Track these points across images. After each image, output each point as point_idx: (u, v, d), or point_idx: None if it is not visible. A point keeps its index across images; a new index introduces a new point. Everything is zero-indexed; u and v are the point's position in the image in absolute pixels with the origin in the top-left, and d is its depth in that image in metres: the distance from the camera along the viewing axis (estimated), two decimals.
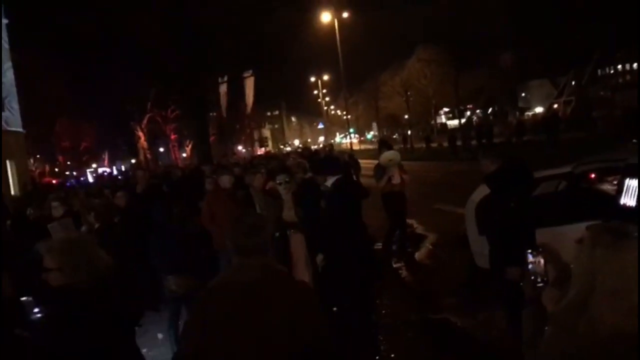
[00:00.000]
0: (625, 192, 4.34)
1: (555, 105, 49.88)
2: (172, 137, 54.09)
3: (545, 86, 59.08)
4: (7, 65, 31.07)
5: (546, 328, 1.95)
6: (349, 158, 11.96)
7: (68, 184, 31.78)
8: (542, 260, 2.21)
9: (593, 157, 5.47)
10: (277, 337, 2.17)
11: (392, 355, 5.10)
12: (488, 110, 69.20)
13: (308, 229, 5.52)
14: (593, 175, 6.27)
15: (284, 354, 2.16)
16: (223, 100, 39.69)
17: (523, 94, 69.75)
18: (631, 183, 4.27)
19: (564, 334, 1.81)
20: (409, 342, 5.44)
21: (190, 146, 52.66)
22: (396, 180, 8.45)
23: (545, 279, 2.20)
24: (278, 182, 5.97)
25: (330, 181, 5.48)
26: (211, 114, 47.59)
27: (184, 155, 56.94)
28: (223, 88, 38.02)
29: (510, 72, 54.52)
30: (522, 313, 2.19)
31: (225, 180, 7.01)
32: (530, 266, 2.21)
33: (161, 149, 62.31)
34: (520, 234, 3.75)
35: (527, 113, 63.25)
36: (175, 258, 5.03)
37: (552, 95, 53.53)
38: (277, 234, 5.24)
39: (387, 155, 8.48)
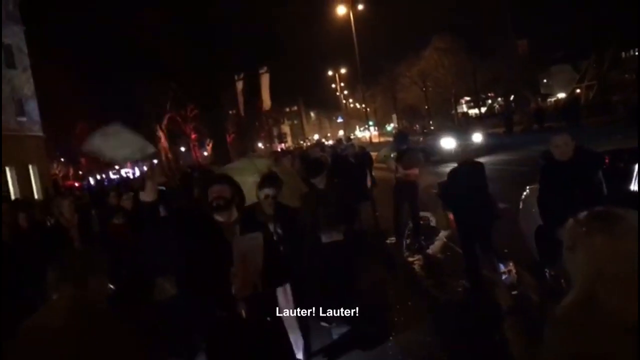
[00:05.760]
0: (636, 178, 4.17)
1: (578, 90, 48.91)
2: (193, 136, 54.31)
3: (566, 71, 57.99)
4: (27, 71, 31.61)
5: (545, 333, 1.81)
6: (360, 151, 11.75)
7: (86, 186, 32.21)
8: (513, 270, 2.10)
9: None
10: None
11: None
12: (510, 98, 68.21)
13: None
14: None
15: None
16: (240, 98, 39.73)
17: (545, 80, 68.58)
18: None
19: (573, 334, 1.68)
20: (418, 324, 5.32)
21: (210, 145, 52.82)
22: (401, 172, 8.52)
23: (519, 287, 2.08)
24: (263, 196, 4.74)
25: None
26: (230, 111, 47.73)
27: (205, 154, 57.15)
28: (239, 85, 38.03)
29: (528, 58, 53.62)
30: (504, 326, 2.05)
31: None
32: (504, 276, 2.10)
33: (182, 149, 62.64)
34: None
35: (549, 99, 62.19)
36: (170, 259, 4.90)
37: (574, 80, 52.51)
38: None
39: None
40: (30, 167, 30.22)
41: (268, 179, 4.78)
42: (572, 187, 3.85)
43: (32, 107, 31.72)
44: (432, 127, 29.65)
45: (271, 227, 4.41)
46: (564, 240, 1.76)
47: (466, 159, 6.59)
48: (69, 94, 39.10)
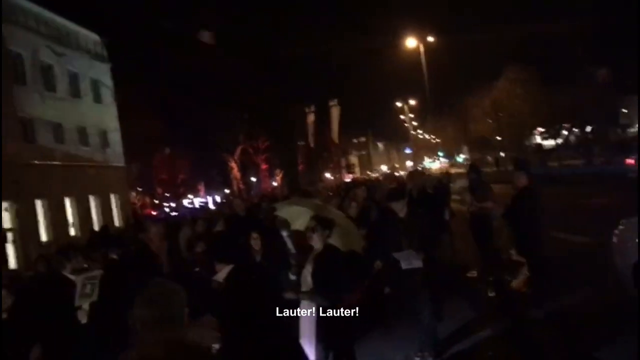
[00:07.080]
0: None
1: None
2: (263, 167, 55.43)
3: None
4: (112, 105, 33.44)
5: None
6: (439, 183, 11.59)
7: (162, 215, 33.39)
8: None
9: None
10: None
11: None
12: (586, 129, 65.62)
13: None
14: None
15: None
16: (310, 129, 40.41)
17: (624, 110, 65.62)
18: None
19: None
20: None
21: (280, 175, 53.75)
22: (475, 205, 8.55)
23: None
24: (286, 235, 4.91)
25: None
26: (300, 143, 48.56)
27: (275, 184, 58.08)
28: (310, 117, 38.75)
29: (608, 88, 51.53)
30: None
31: None
32: None
33: (253, 179, 63.94)
34: None
35: (629, 129, 59.37)
36: None
37: None
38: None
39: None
40: (112, 196, 31.68)
41: (321, 218, 4.83)
42: None
43: (116, 139, 33.40)
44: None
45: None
46: None
47: (525, 184, 6.65)
48: (147, 126, 40.90)
